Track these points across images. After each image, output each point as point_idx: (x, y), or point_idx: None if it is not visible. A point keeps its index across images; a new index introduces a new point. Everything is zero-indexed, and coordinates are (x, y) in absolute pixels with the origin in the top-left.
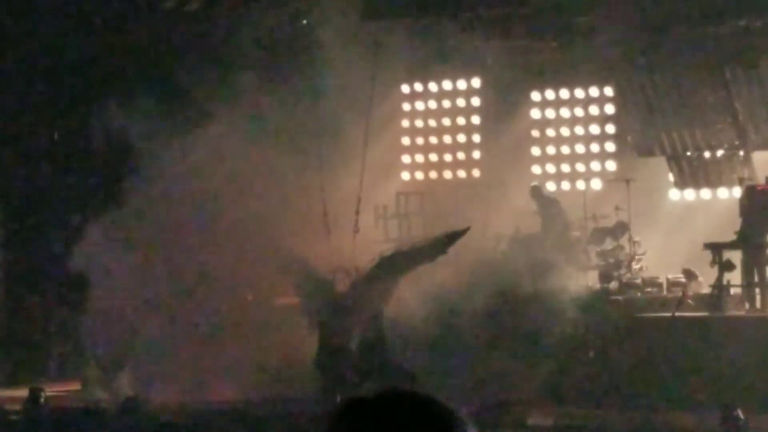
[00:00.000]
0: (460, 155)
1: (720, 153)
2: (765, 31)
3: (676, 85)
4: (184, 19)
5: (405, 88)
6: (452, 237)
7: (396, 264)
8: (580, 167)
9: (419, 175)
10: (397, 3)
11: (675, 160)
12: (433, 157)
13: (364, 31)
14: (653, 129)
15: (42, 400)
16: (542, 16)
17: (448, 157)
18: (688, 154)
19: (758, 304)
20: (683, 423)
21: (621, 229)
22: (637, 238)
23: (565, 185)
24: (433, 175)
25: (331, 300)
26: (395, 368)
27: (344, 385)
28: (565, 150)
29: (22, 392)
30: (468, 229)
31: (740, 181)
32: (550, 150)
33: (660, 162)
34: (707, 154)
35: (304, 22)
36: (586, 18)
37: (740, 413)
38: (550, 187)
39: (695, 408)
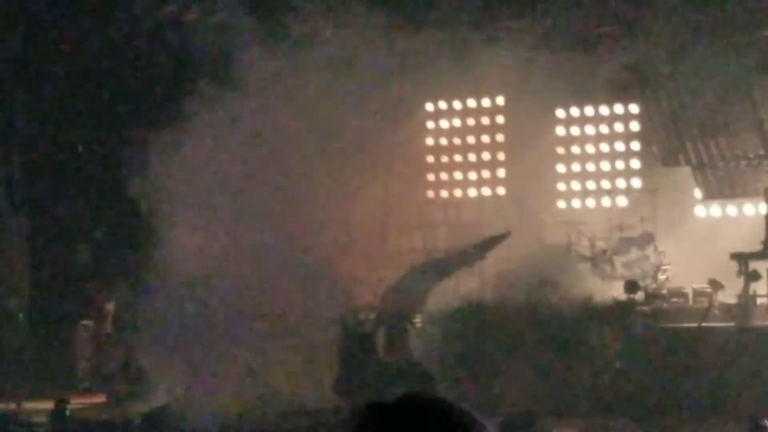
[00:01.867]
0: (485, 173)
1: (745, 162)
2: None
3: (701, 95)
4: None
5: (429, 107)
6: (491, 242)
7: (428, 272)
8: (605, 184)
9: (444, 194)
10: (421, 13)
11: (700, 170)
12: (458, 175)
13: (389, 44)
14: (678, 139)
15: (67, 412)
16: (567, 26)
17: (472, 176)
18: (714, 163)
19: None
20: None
21: (646, 239)
22: (662, 249)
23: (590, 202)
24: (458, 193)
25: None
26: (417, 372)
27: (365, 387)
28: (591, 167)
29: (48, 404)
30: (508, 234)
31: (765, 191)
32: (575, 167)
33: (685, 173)
34: (733, 164)
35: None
36: (611, 28)
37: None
38: (575, 204)
39: (722, 419)
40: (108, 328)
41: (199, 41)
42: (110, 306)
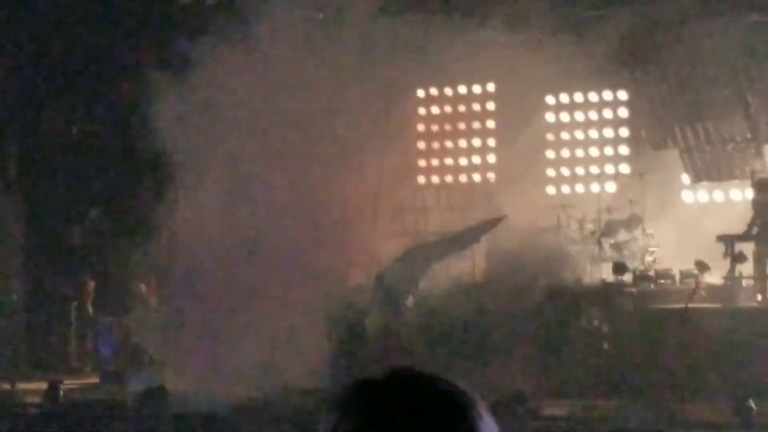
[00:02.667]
0: (476, 159)
1: (732, 146)
2: None
3: (688, 79)
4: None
5: (420, 93)
6: (487, 225)
7: (421, 255)
8: (594, 170)
9: (435, 179)
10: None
11: (688, 154)
12: (449, 161)
13: (380, 28)
14: (666, 122)
15: (61, 393)
16: (557, 9)
17: (463, 161)
18: (701, 147)
19: None
20: (696, 413)
21: (635, 221)
22: (650, 231)
23: (579, 188)
24: (448, 179)
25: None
26: (405, 353)
27: (356, 366)
28: (580, 153)
29: (42, 385)
30: (504, 217)
31: (752, 174)
32: (565, 153)
33: (673, 156)
34: (720, 147)
35: (321, 16)
36: (599, 12)
37: (752, 404)
38: (565, 190)
39: (708, 398)
40: (90, 308)
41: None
42: (91, 285)
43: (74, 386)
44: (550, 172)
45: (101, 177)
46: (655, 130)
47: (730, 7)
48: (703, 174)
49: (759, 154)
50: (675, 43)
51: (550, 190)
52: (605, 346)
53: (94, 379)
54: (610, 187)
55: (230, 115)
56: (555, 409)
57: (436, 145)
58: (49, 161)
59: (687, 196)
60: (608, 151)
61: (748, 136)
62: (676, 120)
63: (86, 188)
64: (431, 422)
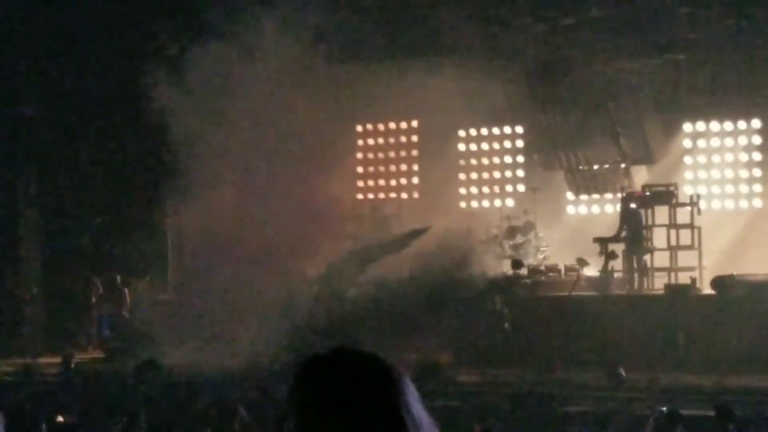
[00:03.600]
0: (403, 180)
1: (606, 167)
2: (639, 70)
3: (570, 115)
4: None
5: (359, 127)
6: (416, 233)
7: (361, 256)
8: (497, 189)
9: (371, 196)
10: (356, 49)
11: (571, 173)
12: (381, 182)
13: (327, 75)
14: (554, 149)
15: (72, 365)
16: (467, 59)
17: (393, 182)
18: (581, 168)
19: (636, 286)
20: (577, 378)
21: (529, 227)
22: (541, 234)
23: (486, 203)
24: (381, 195)
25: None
26: (340, 333)
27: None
28: (485, 176)
29: (57, 359)
30: (429, 227)
31: (621, 189)
32: (474, 176)
33: (560, 175)
34: (596, 167)
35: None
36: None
37: (622, 371)
38: (474, 205)
39: (586, 366)
40: (94, 298)
41: None
42: (95, 281)
43: (83, 360)
44: (462, 191)
45: (104, 191)
46: (545, 154)
47: (601, 56)
48: (582, 189)
49: (627, 173)
50: (557, 87)
51: (462, 204)
52: (506, 325)
53: (100, 354)
54: (510, 202)
55: (212, 138)
56: (467, 377)
57: (371, 169)
58: (60, 181)
59: (570, 206)
60: (508, 174)
61: (618, 159)
62: (561, 147)
63: (91, 201)
64: (367, 390)
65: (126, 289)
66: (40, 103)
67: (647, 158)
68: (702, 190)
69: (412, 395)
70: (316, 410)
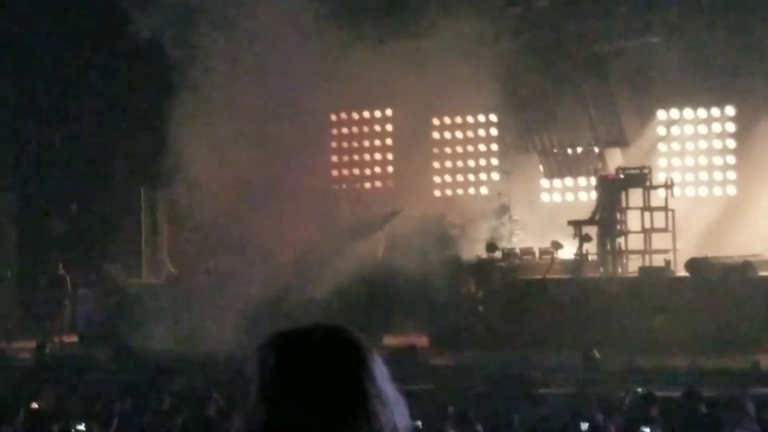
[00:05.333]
0: (378, 169)
1: (579, 150)
2: (615, 54)
3: (544, 98)
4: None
5: (333, 117)
6: (390, 215)
7: (336, 239)
8: (471, 177)
9: (345, 185)
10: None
11: (544, 156)
12: (356, 171)
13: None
14: (528, 132)
15: (47, 350)
16: (444, 46)
17: (368, 171)
18: (555, 150)
19: (610, 268)
20: (552, 361)
21: (503, 210)
22: (516, 217)
23: (460, 191)
24: (356, 185)
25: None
26: (314, 317)
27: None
28: (460, 164)
29: (31, 344)
30: (402, 210)
31: (595, 171)
32: (448, 164)
33: (533, 158)
34: (569, 151)
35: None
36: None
37: (596, 353)
38: (448, 192)
39: (561, 350)
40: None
41: None
42: (62, 271)
43: (58, 345)
44: (437, 179)
45: (79, 176)
46: (518, 138)
47: (577, 39)
48: (556, 172)
49: (601, 157)
50: (534, 68)
51: (437, 193)
52: (481, 308)
53: (74, 338)
54: (484, 190)
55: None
56: (441, 359)
57: (346, 158)
58: (36, 166)
59: (545, 194)
60: (482, 162)
61: (592, 142)
62: (535, 130)
63: (67, 186)
64: (329, 361)
65: (67, 276)
66: (16, 88)
67: (621, 142)
68: (676, 177)
69: (378, 368)
70: (274, 381)
